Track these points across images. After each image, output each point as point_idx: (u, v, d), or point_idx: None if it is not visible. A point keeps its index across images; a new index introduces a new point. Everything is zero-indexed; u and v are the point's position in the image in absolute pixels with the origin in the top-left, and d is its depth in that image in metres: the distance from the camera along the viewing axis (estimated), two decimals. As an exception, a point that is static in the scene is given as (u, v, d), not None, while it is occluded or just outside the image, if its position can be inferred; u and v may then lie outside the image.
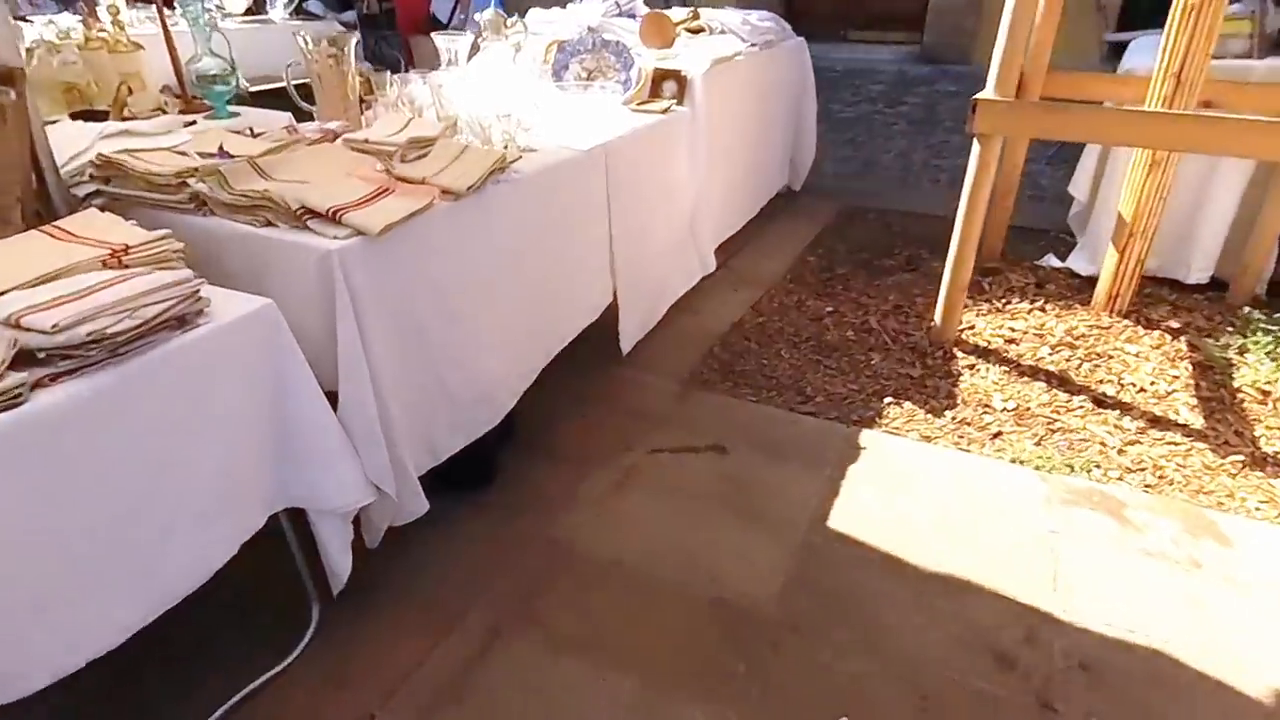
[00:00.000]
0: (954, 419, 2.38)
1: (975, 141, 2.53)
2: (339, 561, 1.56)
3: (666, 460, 2.19)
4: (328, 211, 1.47)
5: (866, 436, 2.30)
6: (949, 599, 1.73)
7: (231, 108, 2.64)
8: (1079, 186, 3.33)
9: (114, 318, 1.12)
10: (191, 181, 1.58)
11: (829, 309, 3.09)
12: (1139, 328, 2.85)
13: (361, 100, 2.36)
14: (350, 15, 5.26)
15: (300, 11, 4.75)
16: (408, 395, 1.65)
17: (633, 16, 3.18)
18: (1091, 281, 3.21)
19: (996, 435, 2.31)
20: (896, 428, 2.35)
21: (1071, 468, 2.15)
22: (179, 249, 1.40)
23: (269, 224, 1.53)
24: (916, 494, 2.05)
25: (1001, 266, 3.36)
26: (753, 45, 3.21)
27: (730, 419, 2.39)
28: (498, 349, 1.91)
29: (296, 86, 2.29)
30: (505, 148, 2.08)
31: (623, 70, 2.76)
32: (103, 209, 1.50)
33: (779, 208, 4.06)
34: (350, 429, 1.52)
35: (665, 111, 2.62)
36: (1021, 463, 2.17)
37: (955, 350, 2.75)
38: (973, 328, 2.88)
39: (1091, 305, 2.99)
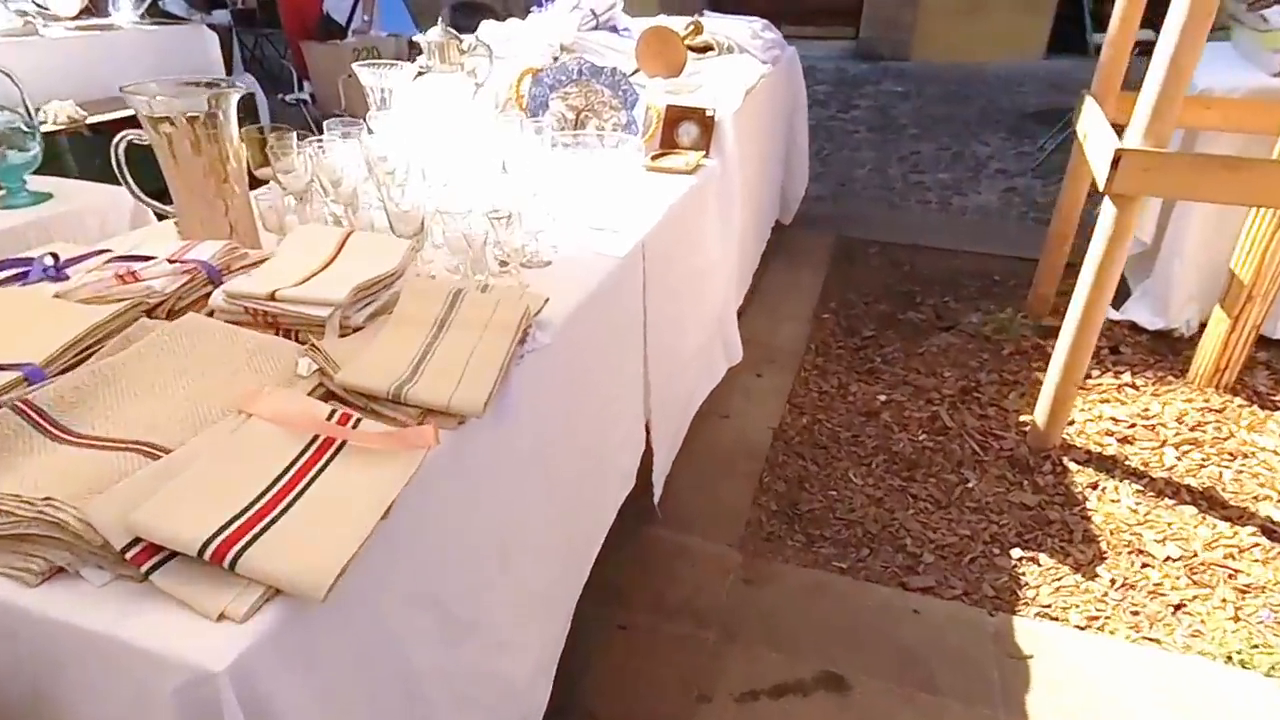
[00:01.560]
0: (1113, 582, 1.73)
1: (1107, 202, 1.86)
2: None
3: (766, 712, 1.43)
4: (204, 551, 0.62)
5: (1021, 631, 1.60)
6: None
7: (40, 180, 1.68)
8: (1142, 226, 2.74)
9: None
10: None
11: (881, 397, 2.39)
12: (1255, 408, 2.29)
13: (251, 175, 1.47)
14: (222, 15, 4.15)
15: (156, 12, 3.63)
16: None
17: (614, 29, 2.35)
18: (1163, 338, 2.67)
19: (1179, 608, 1.67)
20: (1047, 606, 1.67)
21: (1303, 663, 1.53)
22: None
23: (57, 572, 0.66)
24: (1136, 744, 1.38)
25: (1060, 325, 2.74)
26: (766, 64, 2.44)
27: (825, 612, 1.65)
28: (524, 628, 1.09)
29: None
30: (504, 264, 1.24)
31: (623, 108, 1.94)
32: None
33: (771, 248, 3.33)
34: None
35: (694, 170, 1.82)
36: (1243, 663, 1.53)
37: (1064, 459, 2.10)
38: (1071, 422, 2.23)
39: (1191, 379, 2.41)
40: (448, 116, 1.72)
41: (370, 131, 1.68)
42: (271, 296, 0.97)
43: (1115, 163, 1.77)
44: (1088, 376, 2.46)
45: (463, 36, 1.78)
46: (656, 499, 1.78)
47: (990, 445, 2.16)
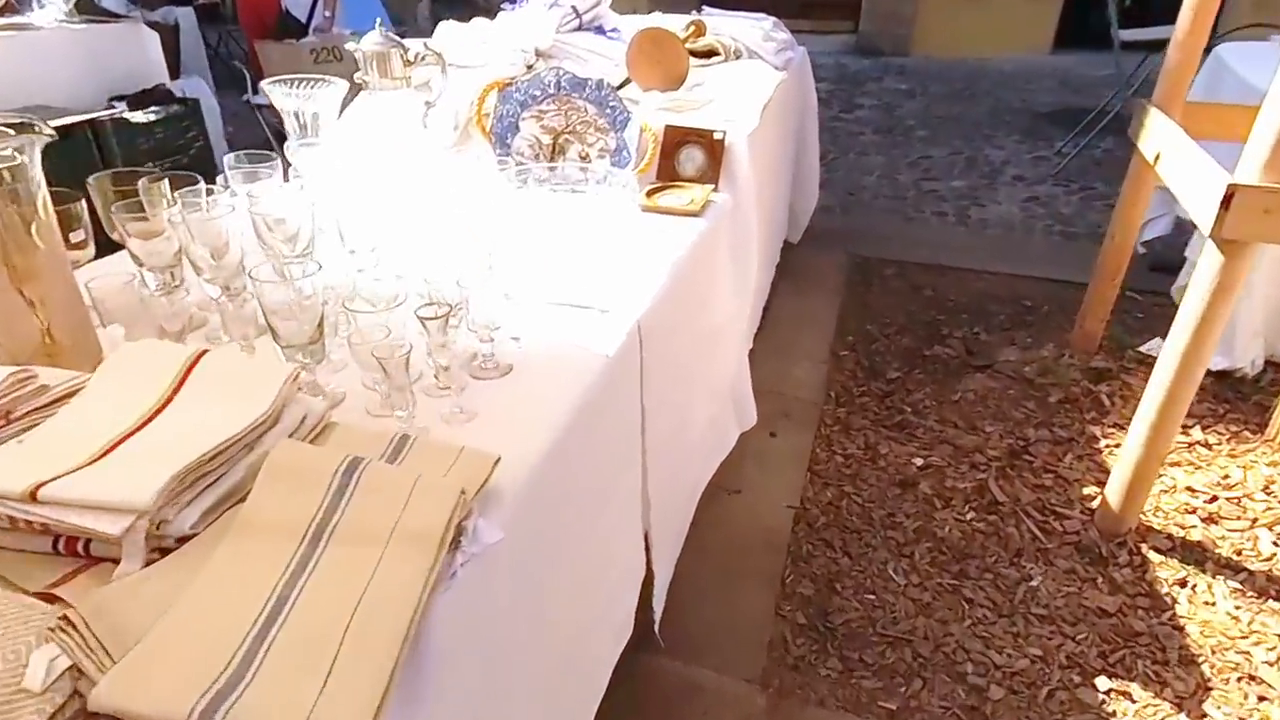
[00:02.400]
0: (1229, 725, 1.36)
1: (1211, 246, 1.48)
2: None
3: None
4: None
5: (1128, 809, 1.24)
6: None
7: None
8: (1203, 252, 2.36)
9: None
10: None
11: (917, 461, 2.02)
12: (1353, 474, 1.93)
13: (96, 235, 1.07)
14: (167, 12, 3.70)
15: (88, 9, 3.19)
16: None
17: (600, 31, 1.95)
18: (1225, 378, 2.31)
19: (1316, 763, 1.31)
20: (1155, 764, 1.30)
21: None
22: None
23: None
24: None
25: (1112, 366, 2.39)
26: (782, 71, 2.04)
27: (875, 777, 1.28)
28: None
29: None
30: (442, 379, 0.85)
31: (611, 130, 1.54)
32: None
33: (778, 271, 2.95)
34: None
35: (701, 209, 1.43)
36: None
37: (1141, 546, 1.73)
38: (1144, 496, 1.87)
39: (1272, 436, 2.05)
40: (389, 147, 1.33)
41: (287, 171, 1.28)
42: (33, 495, 0.57)
43: (1226, 201, 1.39)
44: (1152, 432, 2.09)
45: (409, 44, 1.38)
46: (657, 624, 1.40)
47: (1052, 528, 1.79)
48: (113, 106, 2.90)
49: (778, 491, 1.90)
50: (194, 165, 3.06)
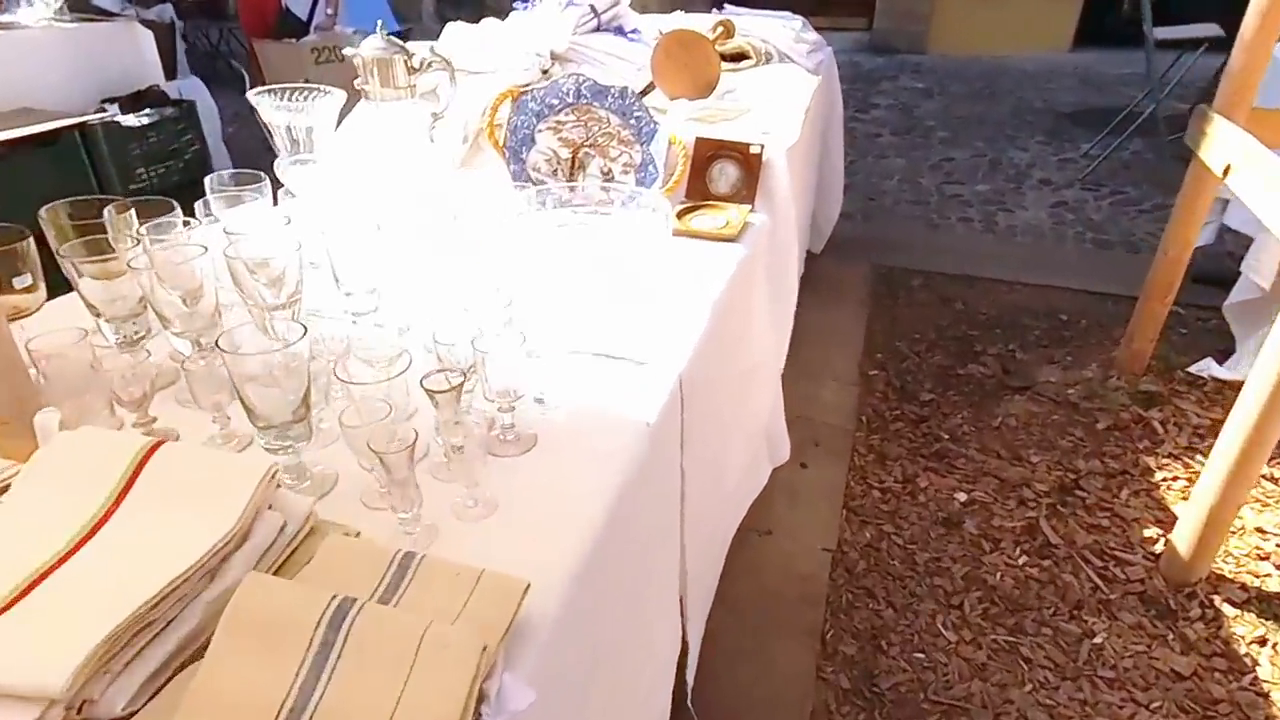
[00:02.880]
0: (1332, 815, 1.21)
1: (1308, 275, 1.32)
2: None
3: None
4: None
5: None
6: None
7: None
8: (1261, 269, 2.20)
9: None
10: None
11: (960, 496, 1.87)
12: None
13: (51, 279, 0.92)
14: (162, 10, 3.54)
15: (80, 6, 3.04)
16: None
17: (620, 32, 1.79)
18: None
19: None
20: None
21: None
22: None
23: None
24: None
25: (1162, 390, 2.23)
26: (814, 74, 1.88)
27: None
28: None
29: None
30: (453, 459, 0.70)
31: (637, 143, 1.39)
32: None
33: (800, 283, 2.79)
34: None
35: (738, 233, 1.28)
36: None
37: (1213, 598, 1.58)
38: (1211, 539, 1.71)
39: (1345, 470, 1.89)
40: (392, 164, 1.18)
41: (277, 192, 1.14)
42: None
43: (1332, 224, 1.23)
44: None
45: (413, 47, 1.23)
46: (689, 693, 1.25)
47: (1113, 575, 1.64)
48: (104, 109, 2.75)
49: (811, 531, 1.75)
50: (189, 171, 2.92)
